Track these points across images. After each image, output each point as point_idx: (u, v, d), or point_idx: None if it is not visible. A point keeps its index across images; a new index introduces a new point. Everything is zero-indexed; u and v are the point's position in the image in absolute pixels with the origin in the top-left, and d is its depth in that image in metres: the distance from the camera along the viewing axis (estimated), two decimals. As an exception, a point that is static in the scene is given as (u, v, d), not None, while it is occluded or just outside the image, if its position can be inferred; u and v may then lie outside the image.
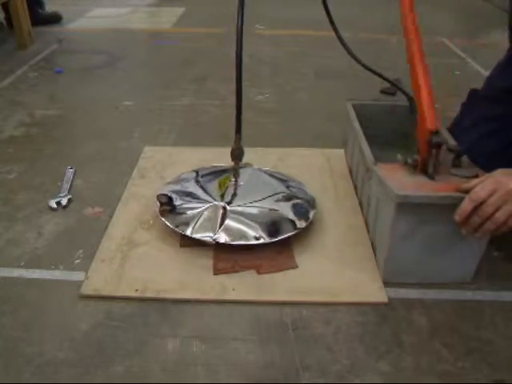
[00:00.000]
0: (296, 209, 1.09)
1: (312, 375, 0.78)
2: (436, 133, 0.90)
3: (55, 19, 2.83)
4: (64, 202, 1.18)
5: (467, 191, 0.82)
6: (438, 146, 0.90)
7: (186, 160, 1.34)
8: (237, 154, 1.04)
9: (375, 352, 0.82)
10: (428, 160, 0.91)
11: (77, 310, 0.89)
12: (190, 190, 1.14)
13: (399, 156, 0.95)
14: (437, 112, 0.94)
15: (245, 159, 1.07)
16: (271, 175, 1.23)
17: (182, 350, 0.82)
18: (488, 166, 0.90)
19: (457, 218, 0.82)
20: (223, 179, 1.16)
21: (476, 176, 0.88)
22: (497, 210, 0.79)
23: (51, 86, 1.93)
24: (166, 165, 1.34)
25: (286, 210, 1.08)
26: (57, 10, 2.88)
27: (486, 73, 1.27)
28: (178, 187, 1.16)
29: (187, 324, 0.87)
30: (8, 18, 2.45)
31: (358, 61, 1.18)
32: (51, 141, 1.50)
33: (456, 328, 0.87)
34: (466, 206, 0.81)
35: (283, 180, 1.21)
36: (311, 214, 1.08)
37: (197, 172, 1.23)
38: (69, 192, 1.22)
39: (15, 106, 1.74)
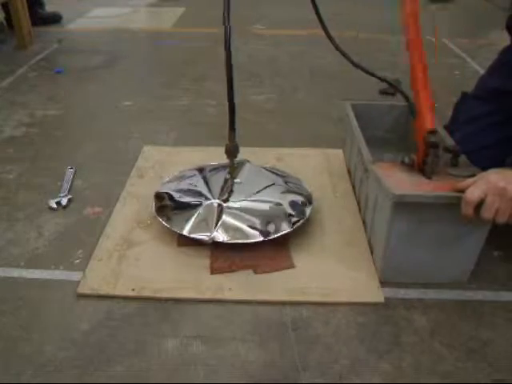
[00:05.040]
0: (293, 203, 1.08)
1: (312, 375, 0.78)
2: (434, 132, 0.91)
3: (55, 19, 2.83)
4: (64, 202, 1.18)
5: (462, 190, 0.82)
6: (436, 145, 0.90)
7: (184, 160, 1.34)
8: (232, 151, 1.03)
9: (375, 352, 0.82)
10: (425, 159, 0.91)
11: (77, 309, 0.89)
12: (189, 187, 1.14)
13: (389, 155, 0.96)
14: (436, 111, 0.94)
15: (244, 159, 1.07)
16: (269, 170, 1.23)
17: (182, 350, 0.82)
18: (480, 162, 0.90)
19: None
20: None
21: (473, 175, 0.88)
22: (497, 209, 0.79)
23: (51, 86, 1.93)
24: (165, 164, 1.34)
25: (283, 203, 1.07)
26: (57, 10, 2.88)
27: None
28: (177, 185, 1.16)
29: (187, 324, 0.87)
30: (8, 18, 2.45)
31: (351, 60, 1.18)
32: (51, 141, 1.50)
33: (456, 328, 0.87)
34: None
35: (281, 175, 1.21)
36: (308, 210, 1.08)
37: (199, 169, 1.23)
38: (69, 192, 1.22)
39: (15, 105, 1.74)
